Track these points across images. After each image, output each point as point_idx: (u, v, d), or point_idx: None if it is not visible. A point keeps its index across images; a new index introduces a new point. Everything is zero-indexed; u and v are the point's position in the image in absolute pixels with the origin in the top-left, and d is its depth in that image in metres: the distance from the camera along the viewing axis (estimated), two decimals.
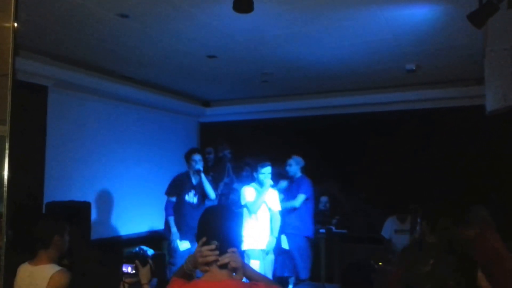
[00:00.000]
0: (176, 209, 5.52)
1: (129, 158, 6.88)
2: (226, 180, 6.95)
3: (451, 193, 6.13)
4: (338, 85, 7.12)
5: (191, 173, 5.52)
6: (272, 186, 5.28)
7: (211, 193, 5.58)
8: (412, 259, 1.68)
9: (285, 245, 5.89)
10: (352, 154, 7.46)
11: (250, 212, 5.22)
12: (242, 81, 6.84)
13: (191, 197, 5.52)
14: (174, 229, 5.38)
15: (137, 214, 6.83)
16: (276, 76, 6.51)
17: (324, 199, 7.19)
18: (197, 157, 5.48)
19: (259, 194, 5.22)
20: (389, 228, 5.91)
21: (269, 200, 5.32)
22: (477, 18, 3.15)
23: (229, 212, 2.13)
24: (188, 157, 5.53)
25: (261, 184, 5.24)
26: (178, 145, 7.35)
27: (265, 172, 5.20)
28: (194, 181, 5.52)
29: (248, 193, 5.25)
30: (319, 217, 6.71)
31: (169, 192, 5.56)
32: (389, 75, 6.44)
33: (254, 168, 5.28)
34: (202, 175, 5.52)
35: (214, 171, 6.96)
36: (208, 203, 5.66)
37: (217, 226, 2.06)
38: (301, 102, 7.73)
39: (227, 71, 6.25)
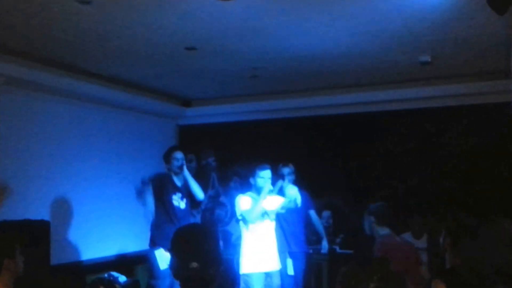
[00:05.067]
0: (160, 216, 5.65)
1: (95, 168, 6.89)
2: (210, 192, 6.98)
3: (473, 204, 6.23)
4: (340, 81, 7.16)
5: (172, 174, 5.63)
6: (270, 192, 5.31)
7: (198, 192, 5.70)
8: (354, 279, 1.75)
9: (290, 270, 5.96)
10: (358, 160, 7.51)
11: (247, 222, 5.23)
12: (228, 76, 6.86)
13: (177, 200, 5.62)
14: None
15: (105, 234, 6.85)
16: (268, 71, 6.53)
17: (326, 214, 7.23)
18: (178, 155, 5.60)
19: (256, 202, 5.24)
20: None
21: (269, 206, 5.33)
22: (499, 3, 3.16)
23: (204, 230, 2.34)
24: (168, 156, 5.62)
25: (259, 190, 5.26)
26: (153, 153, 7.28)
27: (264, 177, 5.24)
28: (178, 182, 5.62)
29: (243, 201, 5.28)
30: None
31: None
32: (400, 69, 6.47)
33: (252, 172, 5.33)
34: (186, 170, 5.63)
35: (196, 181, 6.90)
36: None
37: (194, 245, 2.24)
38: (297, 100, 7.77)
39: (210, 65, 6.27)
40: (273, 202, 5.40)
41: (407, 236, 6.03)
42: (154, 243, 5.66)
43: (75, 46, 5.38)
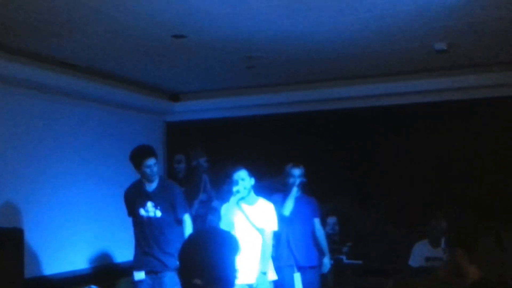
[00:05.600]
0: (134, 228, 5.62)
1: (73, 171, 6.87)
2: (202, 197, 7.03)
3: (497, 206, 6.31)
4: (346, 71, 7.16)
5: (144, 180, 5.55)
6: (236, 193, 5.30)
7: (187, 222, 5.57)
8: None
9: (298, 284, 5.96)
10: (366, 159, 7.54)
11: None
12: (221, 67, 6.86)
13: (149, 210, 5.53)
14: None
15: (86, 243, 6.85)
16: (265, 60, 6.52)
17: (331, 220, 7.24)
18: (150, 161, 5.43)
19: (231, 207, 5.31)
20: (419, 255, 6.04)
21: (257, 217, 5.35)
22: None
23: (215, 238, 2.18)
24: (137, 162, 5.46)
25: (231, 193, 5.37)
26: None
27: (238, 178, 5.29)
28: (148, 187, 5.55)
29: (223, 210, 5.39)
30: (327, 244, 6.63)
31: (127, 212, 5.69)
32: (413, 57, 6.48)
33: (228, 175, 5.47)
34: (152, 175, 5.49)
35: (186, 185, 6.94)
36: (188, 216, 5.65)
37: (199, 258, 2.09)
38: (298, 93, 7.76)
39: (200, 55, 6.26)
40: (263, 210, 5.39)
41: (424, 244, 6.11)
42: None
43: (47, 33, 5.32)
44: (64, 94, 6.77)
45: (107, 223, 7.02)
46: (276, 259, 5.78)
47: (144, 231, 5.50)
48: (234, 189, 5.26)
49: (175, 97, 8.54)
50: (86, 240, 6.86)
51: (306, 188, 6.16)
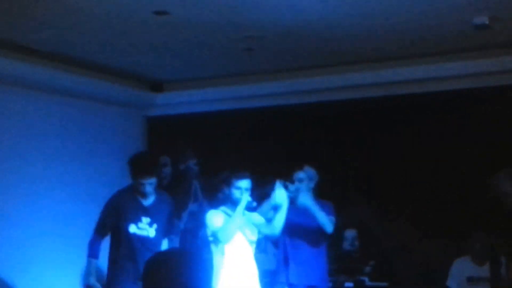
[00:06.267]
0: (115, 248, 5.60)
1: (35, 175, 6.86)
2: (192, 207, 7.17)
3: None
4: (365, 53, 7.11)
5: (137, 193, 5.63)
6: (252, 209, 5.59)
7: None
8: None
9: None
10: (392, 159, 7.43)
11: (218, 243, 5.53)
12: (213, 50, 6.86)
13: (143, 228, 5.58)
14: (92, 279, 5.57)
15: (52, 265, 6.84)
16: (267, 41, 6.51)
17: (350, 234, 7.23)
18: (150, 180, 5.53)
19: (230, 219, 5.54)
20: (460, 274, 6.17)
21: (249, 229, 5.62)
22: None
23: (193, 261, 2.30)
24: (134, 174, 5.54)
25: (234, 203, 5.55)
26: (113, 154, 7.29)
27: (241, 187, 5.53)
28: (144, 202, 5.63)
29: (215, 218, 5.57)
30: (343, 263, 6.87)
31: (98, 226, 5.65)
32: (447, 35, 6.46)
33: (227, 182, 5.66)
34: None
35: (172, 194, 6.85)
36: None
37: (171, 284, 2.21)
38: (307, 81, 7.68)
39: (187, 35, 6.27)
40: (256, 221, 5.69)
41: (465, 261, 6.23)
42: None
43: (3, 11, 5.40)
44: (20, 85, 6.79)
45: (78, 239, 6.72)
46: (271, 273, 6.09)
47: (135, 254, 5.49)
48: (244, 198, 5.46)
49: (157, 86, 8.50)
50: (52, 260, 6.87)
51: (318, 192, 6.19)
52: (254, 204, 5.55)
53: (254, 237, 5.65)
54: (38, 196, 6.86)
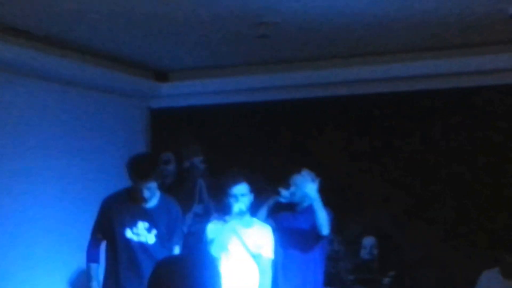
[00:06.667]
0: (112, 257, 5.61)
1: (31, 172, 6.87)
2: (196, 209, 7.22)
3: None
4: (392, 42, 7.11)
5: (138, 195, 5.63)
6: (240, 213, 5.58)
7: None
8: None
9: None
10: (416, 159, 7.45)
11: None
12: (223, 36, 6.84)
13: (140, 233, 5.59)
14: (94, 283, 5.63)
15: (47, 268, 6.87)
16: (284, 28, 6.48)
17: (368, 241, 7.26)
18: (151, 184, 5.53)
19: (227, 229, 5.63)
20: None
21: (252, 241, 5.62)
22: None
23: (197, 266, 2.33)
24: (135, 178, 5.54)
25: (227, 211, 5.65)
26: (112, 148, 7.35)
27: (237, 193, 5.58)
28: (144, 205, 5.65)
29: (209, 230, 5.75)
30: (361, 273, 6.98)
31: (94, 229, 5.71)
32: (481, 25, 6.44)
33: (225, 188, 5.70)
34: None
35: (175, 194, 6.94)
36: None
37: None
38: (324, 72, 7.65)
39: (196, 19, 6.23)
40: (261, 234, 5.67)
41: (494, 274, 6.29)
42: None
43: None
44: (13, 71, 6.75)
45: (72, 242, 6.94)
46: None
47: (133, 261, 5.53)
48: (236, 207, 5.51)
49: (162, 76, 8.51)
50: (48, 263, 6.90)
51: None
52: (244, 210, 5.55)
53: (259, 250, 5.60)
54: (33, 191, 6.86)
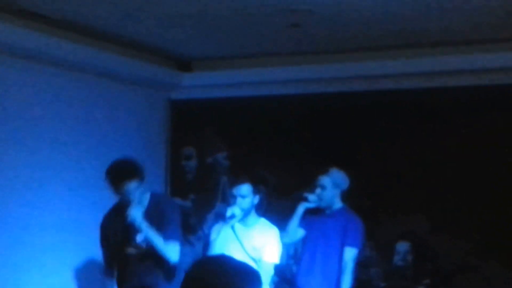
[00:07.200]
0: (121, 279, 5.70)
1: (41, 167, 6.85)
2: (219, 208, 7.21)
3: None
4: (433, 34, 6.95)
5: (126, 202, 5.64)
6: (231, 218, 5.64)
7: (168, 252, 5.55)
8: None
9: None
10: (455, 161, 7.35)
11: None
12: (251, 23, 6.78)
13: (140, 244, 5.65)
14: None
15: (52, 270, 6.83)
16: (317, 17, 6.40)
17: (402, 247, 7.27)
18: (130, 185, 5.45)
19: (226, 230, 5.69)
20: None
21: (252, 243, 5.67)
22: None
23: (237, 269, 2.37)
24: (114, 185, 5.53)
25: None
26: (129, 142, 7.41)
27: (237, 194, 5.66)
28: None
29: (212, 232, 5.82)
30: (393, 280, 7.07)
31: (103, 246, 5.79)
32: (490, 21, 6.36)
33: (230, 189, 5.91)
34: (136, 214, 5.48)
35: (197, 191, 7.35)
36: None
37: None
38: (361, 65, 7.60)
39: (222, 5, 6.17)
40: (266, 237, 5.71)
41: None
42: None
43: None
44: (25, 56, 6.72)
45: (84, 244, 6.99)
46: None
47: (135, 273, 5.57)
48: (229, 211, 5.59)
49: (185, 65, 8.44)
50: (55, 266, 6.87)
51: (349, 200, 6.25)
52: (236, 216, 5.57)
53: (259, 254, 5.62)
54: (42, 187, 6.85)
